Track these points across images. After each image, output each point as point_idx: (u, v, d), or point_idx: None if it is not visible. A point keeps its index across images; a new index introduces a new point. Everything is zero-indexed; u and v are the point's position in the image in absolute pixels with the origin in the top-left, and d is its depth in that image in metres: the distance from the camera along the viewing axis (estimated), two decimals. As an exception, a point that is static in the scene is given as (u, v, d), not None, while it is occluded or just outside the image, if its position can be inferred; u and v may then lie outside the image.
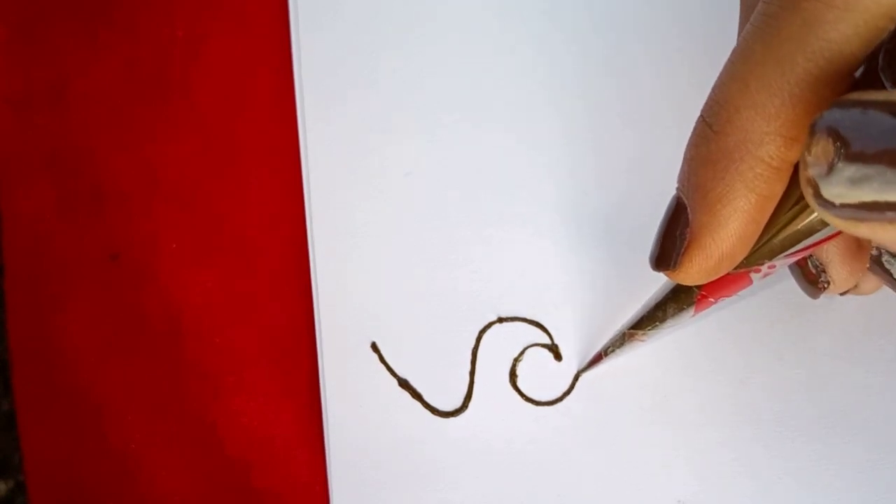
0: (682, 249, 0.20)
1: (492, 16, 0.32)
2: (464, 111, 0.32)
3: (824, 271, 0.24)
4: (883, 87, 0.17)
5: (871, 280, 0.26)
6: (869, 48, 0.16)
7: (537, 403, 0.29)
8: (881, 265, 0.24)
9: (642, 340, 0.26)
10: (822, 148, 0.15)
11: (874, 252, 0.24)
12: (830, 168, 0.15)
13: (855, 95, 0.15)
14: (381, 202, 0.31)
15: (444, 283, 0.30)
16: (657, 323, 0.25)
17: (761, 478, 0.28)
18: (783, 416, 0.28)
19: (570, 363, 0.29)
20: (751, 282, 0.22)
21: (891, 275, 0.24)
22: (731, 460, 0.28)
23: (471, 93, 0.32)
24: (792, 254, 0.20)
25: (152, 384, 0.31)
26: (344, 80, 0.32)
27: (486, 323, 0.30)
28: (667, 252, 0.20)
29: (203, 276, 0.32)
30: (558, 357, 0.29)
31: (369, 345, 0.30)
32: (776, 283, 0.29)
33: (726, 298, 0.23)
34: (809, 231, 0.19)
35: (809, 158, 0.15)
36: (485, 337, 0.30)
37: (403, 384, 0.30)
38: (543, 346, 0.30)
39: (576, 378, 0.29)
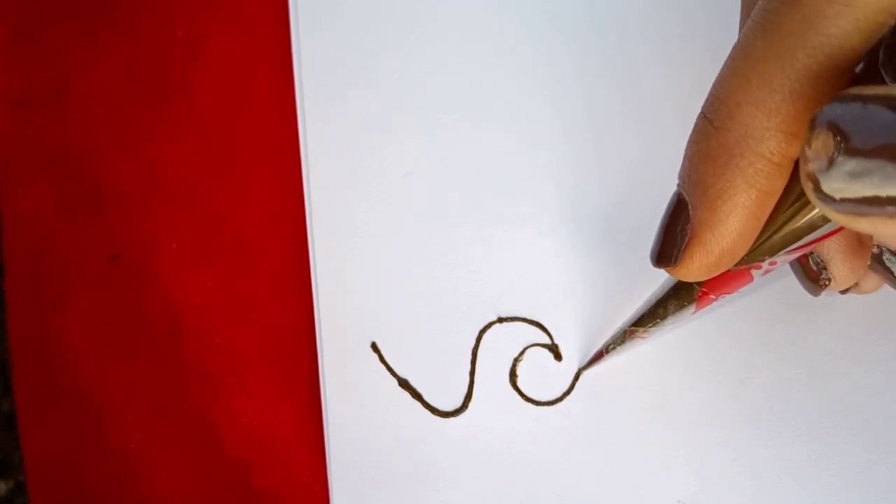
0: (683, 245, 0.20)
1: (492, 16, 0.32)
2: (464, 111, 0.32)
3: (825, 268, 0.24)
4: (883, 83, 0.17)
5: (872, 278, 0.26)
6: (869, 43, 0.16)
7: (537, 403, 0.29)
8: (882, 263, 0.24)
9: (643, 338, 0.26)
10: (822, 142, 0.15)
11: (875, 250, 0.24)
12: (830, 162, 0.15)
13: (855, 90, 0.15)
14: (381, 202, 0.31)
15: (444, 283, 0.30)
16: (658, 320, 0.25)
17: (761, 478, 0.28)
18: (783, 415, 0.28)
19: (570, 363, 0.29)
20: (752, 279, 0.22)
21: (892, 273, 0.24)
22: (732, 460, 0.28)
23: (471, 93, 0.32)
24: (793, 250, 0.20)
25: (152, 384, 0.31)
26: (344, 80, 0.32)
27: (486, 323, 0.30)
28: (667, 248, 0.20)
29: (203, 276, 0.32)
30: (558, 357, 0.29)
31: (369, 345, 0.30)
32: (776, 283, 0.29)
33: (727, 295, 0.23)
34: (810, 228, 0.19)
35: (809, 153, 0.15)
36: (485, 337, 0.30)
37: (403, 384, 0.30)
38: (543, 346, 0.30)
39: (577, 376, 0.29)
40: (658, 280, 0.25)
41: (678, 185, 0.20)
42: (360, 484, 0.29)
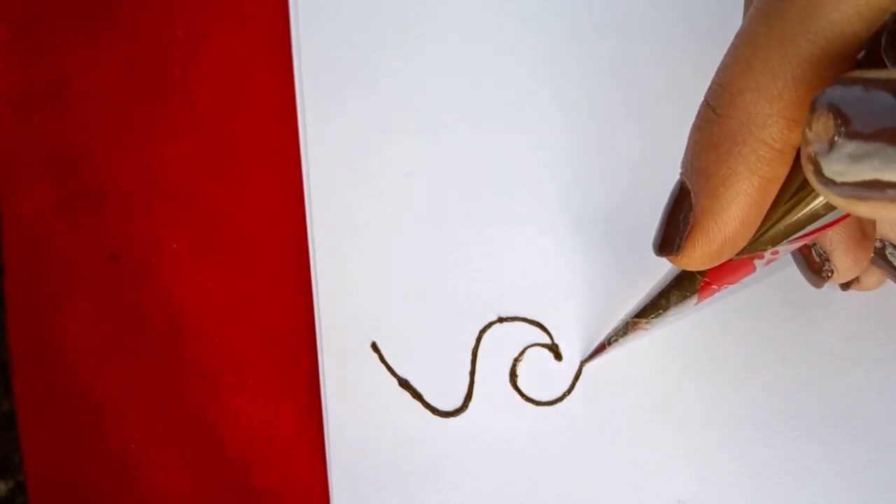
0: (686, 234, 0.20)
1: (492, 16, 0.32)
2: (464, 111, 0.32)
3: (828, 260, 0.24)
4: (885, 69, 0.16)
5: (874, 274, 0.26)
6: (871, 29, 0.16)
7: (537, 403, 0.29)
8: (885, 258, 0.24)
9: (645, 329, 0.26)
10: (823, 124, 0.15)
11: (878, 244, 0.24)
12: (831, 145, 0.15)
13: (857, 73, 0.15)
14: (381, 202, 0.31)
15: (444, 283, 0.30)
16: (660, 311, 0.25)
17: (761, 478, 0.28)
18: (784, 415, 0.28)
19: (571, 363, 0.29)
20: (754, 269, 0.22)
21: (894, 267, 0.24)
22: (732, 460, 0.28)
23: (471, 93, 0.32)
24: (795, 240, 0.20)
25: (152, 384, 0.31)
26: (344, 80, 0.32)
27: (486, 323, 0.30)
28: (670, 237, 0.20)
29: (203, 276, 0.32)
30: (558, 357, 0.29)
31: (369, 345, 0.30)
32: (777, 282, 0.29)
33: (729, 286, 0.23)
34: (812, 217, 0.19)
35: (810, 135, 0.15)
36: (485, 337, 0.30)
37: (403, 384, 0.30)
38: (543, 345, 0.30)
39: (580, 369, 0.29)
40: (658, 278, 0.25)
41: (681, 174, 0.20)
42: (360, 484, 0.29)
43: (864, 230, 0.23)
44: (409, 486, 0.29)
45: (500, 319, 0.30)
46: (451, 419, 0.29)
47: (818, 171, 0.15)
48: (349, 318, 0.30)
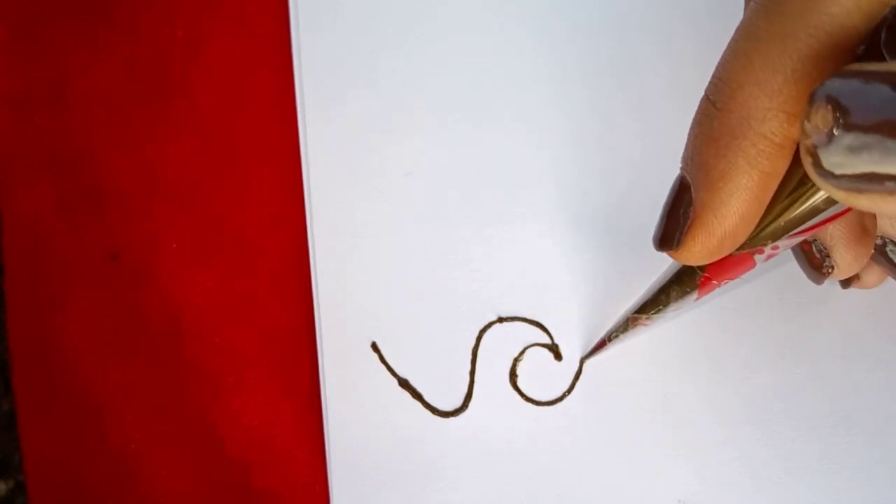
0: (685, 228, 0.20)
1: (492, 15, 0.32)
2: (464, 111, 0.32)
3: (829, 256, 0.24)
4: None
5: (875, 272, 0.26)
6: (871, 22, 0.16)
7: (537, 403, 0.29)
8: (885, 255, 0.24)
9: (646, 325, 0.26)
10: (822, 116, 0.15)
11: (879, 241, 0.24)
12: (829, 137, 0.15)
13: (856, 66, 0.15)
14: (381, 202, 0.31)
15: (444, 283, 0.30)
16: (661, 307, 0.25)
17: (762, 477, 0.28)
18: (784, 415, 0.28)
19: (571, 363, 0.29)
20: (754, 264, 0.22)
21: (894, 264, 0.24)
22: (732, 460, 0.28)
23: (471, 93, 0.32)
24: (795, 234, 0.20)
25: (152, 384, 0.31)
26: (344, 80, 0.32)
27: (486, 323, 0.30)
28: (670, 231, 0.20)
29: (203, 276, 0.32)
30: (558, 357, 0.29)
31: (369, 345, 0.30)
32: (777, 281, 0.29)
33: (730, 281, 0.23)
34: (813, 212, 0.19)
35: (809, 127, 0.15)
36: (485, 337, 0.30)
37: (403, 384, 0.30)
38: (543, 345, 0.30)
39: (580, 365, 0.29)
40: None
41: (681, 168, 0.20)
42: (360, 484, 0.29)
43: (864, 226, 0.23)
44: (409, 486, 0.29)
45: (500, 319, 0.30)
46: (451, 419, 0.29)
47: (817, 164, 0.15)
48: (349, 318, 0.30)
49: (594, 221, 0.30)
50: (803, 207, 0.19)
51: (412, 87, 0.32)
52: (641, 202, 0.30)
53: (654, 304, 0.25)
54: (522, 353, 0.30)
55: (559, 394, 0.29)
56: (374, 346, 0.30)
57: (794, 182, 0.19)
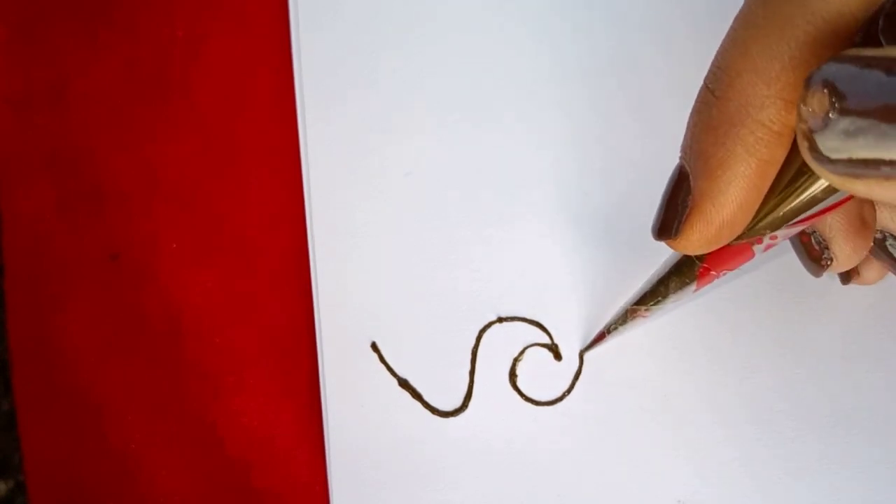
0: (684, 217, 0.20)
1: (492, 15, 0.32)
2: (464, 111, 0.32)
3: (827, 248, 0.24)
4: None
5: (874, 267, 0.26)
6: (868, 9, 0.16)
7: (537, 403, 0.29)
8: (885, 249, 0.24)
9: (645, 317, 0.26)
10: (818, 100, 0.15)
11: (878, 235, 0.24)
12: (826, 121, 0.15)
13: (853, 51, 0.15)
14: (381, 202, 0.31)
15: (444, 283, 0.30)
16: (660, 298, 0.25)
17: (761, 477, 0.28)
18: (784, 414, 0.28)
19: (570, 363, 0.29)
20: (753, 254, 0.22)
21: (894, 259, 0.24)
22: (732, 459, 0.28)
23: (471, 93, 0.32)
24: (794, 224, 0.20)
25: (152, 384, 0.31)
26: (344, 80, 0.32)
27: (486, 323, 0.30)
28: (668, 220, 0.20)
29: (203, 276, 0.32)
30: (558, 357, 0.29)
31: (369, 345, 0.30)
32: (778, 281, 0.29)
33: (729, 272, 0.23)
34: (811, 201, 0.19)
35: (805, 111, 0.15)
36: (485, 337, 0.30)
37: (403, 384, 0.30)
38: (543, 345, 0.30)
39: (580, 360, 0.29)
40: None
41: (680, 158, 0.20)
42: (360, 484, 0.29)
43: (863, 218, 0.23)
44: (409, 486, 0.29)
45: (500, 319, 0.30)
46: (451, 419, 0.29)
47: (813, 148, 0.15)
48: (349, 318, 0.30)
49: (594, 221, 0.30)
50: (802, 197, 0.19)
51: (412, 87, 0.32)
52: (641, 202, 0.30)
53: (653, 295, 0.25)
54: (522, 352, 0.30)
55: (559, 394, 0.29)
56: (374, 346, 0.30)
57: (793, 171, 0.19)
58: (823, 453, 0.28)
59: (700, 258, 0.23)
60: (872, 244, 0.24)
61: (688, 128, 0.20)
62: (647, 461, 0.28)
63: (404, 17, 0.33)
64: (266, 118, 0.33)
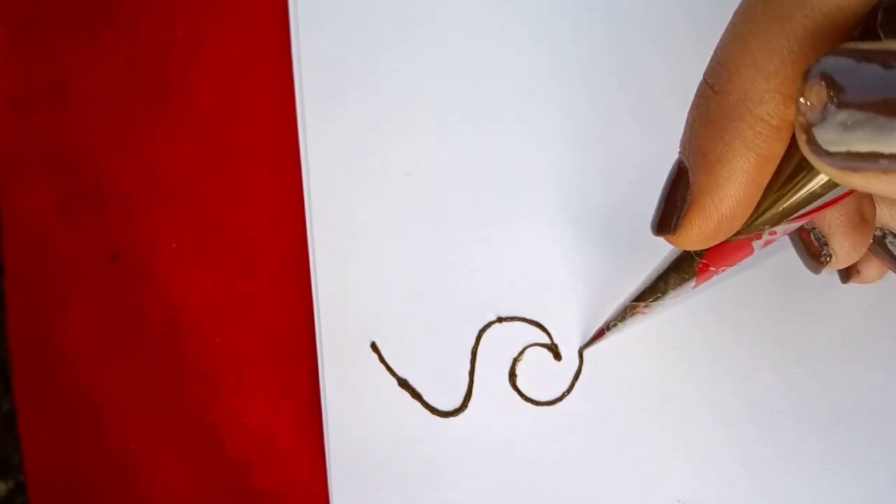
0: (683, 212, 0.20)
1: (492, 15, 0.32)
2: (464, 111, 0.32)
3: (827, 244, 0.24)
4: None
5: (874, 265, 0.26)
6: (867, 3, 0.16)
7: (537, 403, 0.29)
8: (884, 247, 0.24)
9: (644, 313, 0.26)
10: (816, 93, 0.15)
11: (878, 233, 0.24)
12: (824, 114, 0.15)
13: (851, 44, 0.15)
14: (381, 202, 0.31)
15: (444, 283, 0.30)
16: (659, 294, 0.25)
17: (761, 477, 0.28)
18: (784, 414, 0.28)
19: (570, 363, 0.29)
20: (752, 250, 0.22)
21: (893, 256, 0.24)
22: (732, 459, 0.28)
23: (471, 93, 0.32)
24: (793, 219, 0.20)
25: (152, 384, 0.31)
26: (344, 80, 0.32)
27: (485, 323, 0.30)
28: (667, 215, 0.20)
29: (203, 276, 0.32)
30: (558, 357, 0.29)
31: (369, 345, 0.30)
32: (779, 281, 0.29)
33: (728, 268, 0.23)
34: (810, 197, 0.19)
35: (803, 104, 0.15)
36: (485, 337, 0.30)
37: (403, 384, 0.30)
38: (543, 345, 0.30)
39: (580, 357, 0.29)
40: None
41: (679, 153, 0.20)
42: (360, 484, 0.29)
43: (863, 214, 0.23)
44: (409, 486, 0.29)
45: (500, 319, 0.30)
46: (451, 419, 0.29)
47: (811, 141, 0.15)
48: (349, 318, 0.30)
49: (594, 221, 0.30)
50: (801, 192, 0.19)
51: (412, 87, 0.32)
52: (641, 202, 0.30)
53: (652, 291, 0.25)
54: (522, 352, 0.30)
55: (559, 394, 0.29)
56: (374, 346, 0.30)
57: (792, 166, 0.19)
58: (823, 453, 0.28)
59: (699, 254, 0.23)
60: (872, 241, 0.24)
61: (687, 123, 0.20)
62: (647, 461, 0.28)
63: (404, 17, 0.33)
64: (266, 118, 0.33)
